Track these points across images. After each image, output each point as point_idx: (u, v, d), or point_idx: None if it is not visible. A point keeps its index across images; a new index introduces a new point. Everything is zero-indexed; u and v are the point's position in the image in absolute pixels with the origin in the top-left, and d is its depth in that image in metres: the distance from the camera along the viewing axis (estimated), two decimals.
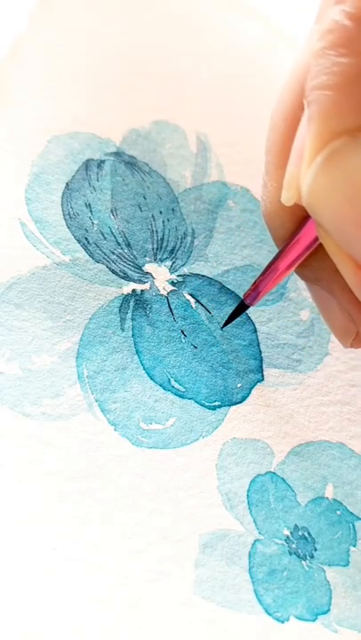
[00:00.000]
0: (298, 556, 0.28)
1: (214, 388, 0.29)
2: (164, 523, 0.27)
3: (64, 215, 0.30)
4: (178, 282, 0.30)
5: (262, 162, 0.25)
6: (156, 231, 0.31)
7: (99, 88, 0.32)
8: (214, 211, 0.32)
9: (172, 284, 0.30)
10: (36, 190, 0.30)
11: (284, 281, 0.31)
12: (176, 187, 0.32)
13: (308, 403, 0.30)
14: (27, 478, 0.26)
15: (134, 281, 0.30)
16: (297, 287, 0.32)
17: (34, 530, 0.26)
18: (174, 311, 0.30)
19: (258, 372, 0.30)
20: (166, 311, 0.30)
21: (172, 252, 0.31)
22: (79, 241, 0.30)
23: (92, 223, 0.30)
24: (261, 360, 0.30)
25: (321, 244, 0.23)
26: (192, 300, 0.30)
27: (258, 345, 0.30)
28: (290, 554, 0.28)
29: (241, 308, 0.28)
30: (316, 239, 0.24)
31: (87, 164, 0.31)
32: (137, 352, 0.29)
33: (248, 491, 0.28)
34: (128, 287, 0.30)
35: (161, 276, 0.30)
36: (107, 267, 0.30)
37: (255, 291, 0.27)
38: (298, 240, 0.24)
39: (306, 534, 0.28)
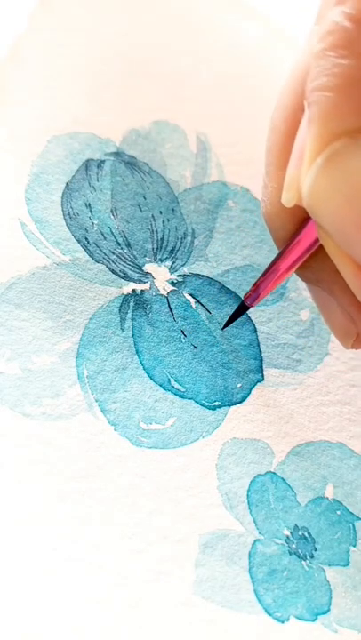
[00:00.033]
0: (298, 556, 0.28)
1: (214, 387, 0.29)
2: (164, 523, 0.27)
3: (64, 215, 0.30)
4: (178, 282, 0.30)
5: (262, 162, 0.25)
6: (156, 231, 0.31)
7: (99, 88, 0.32)
8: (214, 211, 0.32)
9: (172, 283, 0.30)
10: (36, 190, 0.30)
11: (284, 281, 0.31)
12: (176, 187, 0.32)
13: (308, 403, 0.30)
14: (27, 478, 0.26)
15: (134, 281, 0.30)
16: (297, 287, 0.32)
17: (34, 530, 0.26)
18: (174, 311, 0.30)
19: (258, 372, 0.30)
20: (166, 311, 0.30)
21: (172, 252, 0.31)
22: (79, 241, 0.30)
23: (92, 223, 0.30)
24: (261, 360, 0.30)
25: (321, 246, 0.23)
26: (192, 300, 0.30)
27: (258, 345, 0.30)
28: (290, 554, 0.28)
29: (241, 309, 0.28)
30: (317, 240, 0.24)
31: (87, 164, 0.31)
32: (137, 352, 0.29)
33: (248, 491, 0.28)
34: (128, 287, 0.30)
35: (161, 275, 0.30)
36: (107, 267, 0.30)
37: (255, 292, 0.27)
38: (298, 241, 0.24)
39: (306, 534, 0.28)
